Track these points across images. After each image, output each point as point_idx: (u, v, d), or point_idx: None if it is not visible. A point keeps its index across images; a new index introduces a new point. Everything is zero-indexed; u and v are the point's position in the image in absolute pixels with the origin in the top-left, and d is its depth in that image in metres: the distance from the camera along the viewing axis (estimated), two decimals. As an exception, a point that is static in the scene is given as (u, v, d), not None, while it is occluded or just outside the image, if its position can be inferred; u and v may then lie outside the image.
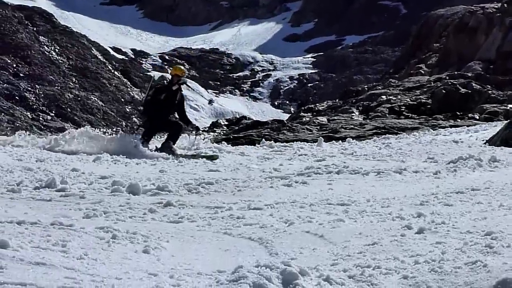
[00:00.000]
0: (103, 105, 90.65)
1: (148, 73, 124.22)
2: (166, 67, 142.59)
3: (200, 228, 14.80)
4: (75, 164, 26.95)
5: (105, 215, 16.12)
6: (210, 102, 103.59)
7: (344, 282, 10.76)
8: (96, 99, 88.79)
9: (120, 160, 27.32)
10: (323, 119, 50.12)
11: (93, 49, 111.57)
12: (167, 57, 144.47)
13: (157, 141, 24.50)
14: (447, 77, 58.76)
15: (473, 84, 51.70)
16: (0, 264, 11.12)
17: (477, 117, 44.60)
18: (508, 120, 31.54)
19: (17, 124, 69.10)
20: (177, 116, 26.00)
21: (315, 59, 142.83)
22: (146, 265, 11.98)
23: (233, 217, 15.68)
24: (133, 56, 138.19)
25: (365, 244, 12.89)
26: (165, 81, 26.21)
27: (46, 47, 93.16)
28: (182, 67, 25.85)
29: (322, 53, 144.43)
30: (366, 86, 73.15)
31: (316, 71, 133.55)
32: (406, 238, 13.07)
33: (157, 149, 24.21)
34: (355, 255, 12.26)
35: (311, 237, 13.67)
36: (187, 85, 23.29)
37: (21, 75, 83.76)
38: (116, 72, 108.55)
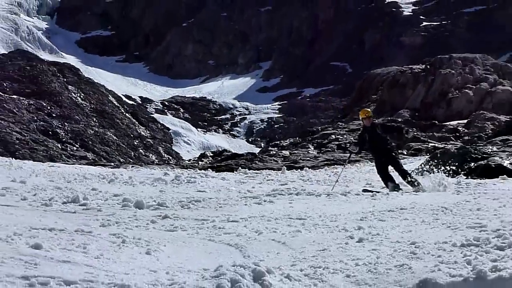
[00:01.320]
0: (117, 139, 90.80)
1: (152, 115, 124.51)
2: (166, 110, 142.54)
3: (190, 236, 14.82)
4: (94, 185, 26.76)
5: (117, 224, 16.13)
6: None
7: (300, 279, 10.86)
8: (111, 135, 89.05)
9: (128, 182, 27.33)
10: (286, 153, 50.36)
11: (110, 96, 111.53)
12: (166, 103, 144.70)
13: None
14: (383, 121, 59.35)
15: (404, 127, 51.89)
16: (35, 262, 11.22)
17: (405, 153, 44.83)
18: (428, 156, 31.64)
19: (50, 153, 69.27)
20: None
21: (280, 106, 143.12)
22: (148, 263, 12.01)
23: (215, 227, 15.71)
24: (140, 102, 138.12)
25: (317, 250, 12.92)
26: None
27: (73, 94, 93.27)
28: (368, 110, 25.49)
29: (286, 102, 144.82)
30: (319, 128, 73.38)
31: (281, 115, 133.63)
32: (349, 246, 13.11)
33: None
34: (310, 258, 12.30)
35: (275, 243, 13.69)
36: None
37: (54, 115, 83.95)
38: (127, 114, 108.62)
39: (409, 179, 22.26)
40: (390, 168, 22.96)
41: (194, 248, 13.44)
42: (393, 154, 23.02)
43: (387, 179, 22.16)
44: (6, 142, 64.79)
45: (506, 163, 27.03)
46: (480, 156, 28.16)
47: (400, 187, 21.62)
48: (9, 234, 13.16)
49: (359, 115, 24.67)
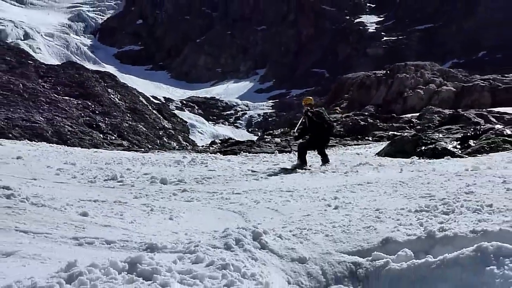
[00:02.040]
0: (146, 130, 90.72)
1: (173, 111, 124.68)
2: (184, 108, 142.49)
3: (203, 205, 14.82)
4: (129, 166, 26.88)
5: (146, 196, 16.19)
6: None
7: (289, 238, 10.85)
8: (142, 127, 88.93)
9: (155, 163, 27.37)
10: (278, 140, 50.30)
11: (140, 96, 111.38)
12: (184, 102, 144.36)
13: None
14: (353, 115, 59.39)
15: (368, 119, 51.84)
16: (83, 226, 11.37)
17: (371, 139, 44.89)
18: (389, 141, 31.60)
19: (94, 142, 69.61)
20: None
21: (273, 104, 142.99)
22: (170, 227, 12.05)
23: (223, 198, 15.76)
24: (164, 101, 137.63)
25: (302, 215, 12.88)
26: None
27: (112, 95, 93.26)
28: (310, 98, 25.51)
29: (277, 100, 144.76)
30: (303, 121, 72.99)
31: (273, 110, 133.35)
32: (327, 212, 13.09)
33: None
34: (296, 221, 12.26)
35: (270, 211, 13.67)
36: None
37: (97, 112, 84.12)
38: (153, 111, 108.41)
39: (325, 159, 22.73)
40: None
41: (206, 215, 13.46)
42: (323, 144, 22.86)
43: (302, 157, 22.48)
44: (60, 134, 64.82)
45: (449, 146, 27.03)
46: (429, 142, 28.11)
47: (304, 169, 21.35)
48: (62, 205, 13.18)
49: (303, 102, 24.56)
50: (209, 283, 8.23)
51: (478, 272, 8.89)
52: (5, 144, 28.94)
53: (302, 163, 22.54)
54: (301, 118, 24.48)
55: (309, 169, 22.73)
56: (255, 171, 24.32)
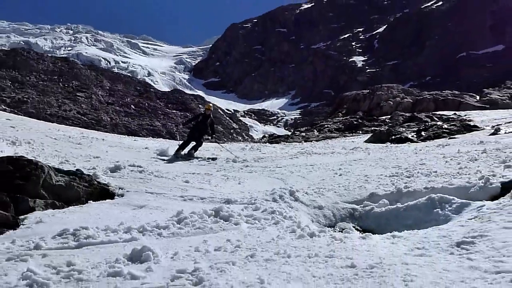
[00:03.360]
0: (222, 130, 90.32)
1: (239, 118, 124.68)
2: (245, 115, 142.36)
3: (259, 175, 14.69)
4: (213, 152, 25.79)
5: (224, 170, 16.01)
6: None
7: (312, 194, 10.88)
8: (220, 127, 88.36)
9: (228, 150, 27.21)
10: (303, 134, 49.96)
11: (219, 109, 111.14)
12: (245, 112, 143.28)
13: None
14: (349, 118, 58.96)
15: (359, 120, 51.39)
16: (186, 189, 11.41)
17: (361, 132, 44.46)
18: (371, 134, 31.26)
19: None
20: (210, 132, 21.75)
21: (300, 112, 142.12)
22: (239, 188, 12.02)
23: (271, 171, 15.53)
24: (233, 112, 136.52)
25: (320, 180, 12.79)
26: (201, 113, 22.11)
27: (201, 109, 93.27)
28: (210, 104, 24.19)
29: (303, 110, 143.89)
30: (319, 121, 72.18)
31: (300, 116, 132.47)
32: (335, 177, 12.98)
33: (184, 155, 20.07)
34: (316, 183, 12.21)
35: (299, 177, 13.57)
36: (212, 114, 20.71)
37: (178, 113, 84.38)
38: (227, 117, 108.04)
39: (191, 152, 20.29)
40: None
41: (261, 181, 13.40)
42: (202, 137, 20.98)
43: (182, 148, 20.17)
44: (171, 133, 64.94)
45: (409, 136, 26.73)
46: (396, 133, 27.92)
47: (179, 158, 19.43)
48: (173, 176, 13.17)
49: (206, 106, 22.40)
50: (263, 222, 8.29)
51: (429, 212, 8.92)
52: (137, 140, 28.82)
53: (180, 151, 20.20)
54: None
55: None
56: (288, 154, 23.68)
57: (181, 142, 20.31)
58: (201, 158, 20.28)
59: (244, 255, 6.08)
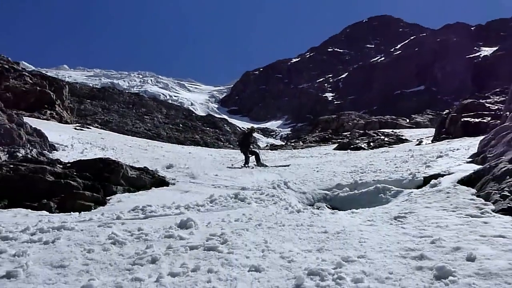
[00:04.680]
0: (252, 147, 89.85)
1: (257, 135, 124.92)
2: (259, 131, 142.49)
3: (266, 173, 14.57)
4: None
5: (240, 168, 15.82)
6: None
7: (299, 184, 10.77)
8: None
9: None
10: (293, 144, 49.12)
11: (237, 127, 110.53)
12: (255, 129, 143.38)
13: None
14: (323, 133, 57.15)
15: (330, 135, 50.81)
16: (216, 180, 11.29)
17: (331, 143, 43.69)
18: (337, 144, 31.03)
19: (220, 146, 69.63)
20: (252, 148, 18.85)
21: (291, 129, 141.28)
22: (252, 179, 11.93)
23: (271, 168, 15.44)
24: (241, 130, 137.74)
25: (304, 174, 12.68)
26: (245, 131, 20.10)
27: (226, 127, 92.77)
28: (253, 126, 21.18)
29: (292, 128, 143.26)
30: (303, 136, 71.38)
31: (290, 132, 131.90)
32: (314, 173, 12.85)
33: (255, 165, 16.76)
34: (302, 177, 12.08)
35: (291, 173, 13.46)
36: (255, 132, 18.32)
37: (220, 134, 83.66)
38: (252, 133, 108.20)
39: (260, 163, 16.98)
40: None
41: (265, 175, 13.28)
42: (249, 150, 17.66)
43: (247, 162, 16.84)
44: (206, 143, 64.94)
45: (362, 145, 26.59)
46: (354, 144, 27.76)
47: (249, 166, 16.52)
48: (205, 171, 13.15)
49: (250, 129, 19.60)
50: (267, 202, 8.27)
51: (376, 196, 8.93)
52: (184, 147, 28.73)
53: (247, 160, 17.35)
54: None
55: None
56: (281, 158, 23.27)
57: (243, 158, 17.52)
58: (234, 161, 20.08)
59: (254, 224, 6.12)
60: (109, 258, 4.50)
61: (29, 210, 7.54)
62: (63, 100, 37.76)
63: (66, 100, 39.22)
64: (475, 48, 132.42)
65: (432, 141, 22.91)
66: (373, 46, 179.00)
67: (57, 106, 35.12)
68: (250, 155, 17.29)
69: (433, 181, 8.77)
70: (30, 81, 35.51)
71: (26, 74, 36.96)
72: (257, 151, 18.40)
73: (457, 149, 14.23)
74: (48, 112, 33.03)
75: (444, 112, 27.80)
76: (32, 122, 17.65)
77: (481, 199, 6.79)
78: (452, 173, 9.28)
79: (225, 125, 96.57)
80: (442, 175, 9.25)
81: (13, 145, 12.50)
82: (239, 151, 18.93)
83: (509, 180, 6.94)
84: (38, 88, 34.49)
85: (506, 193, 6.45)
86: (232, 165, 16.84)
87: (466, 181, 8.16)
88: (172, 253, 4.67)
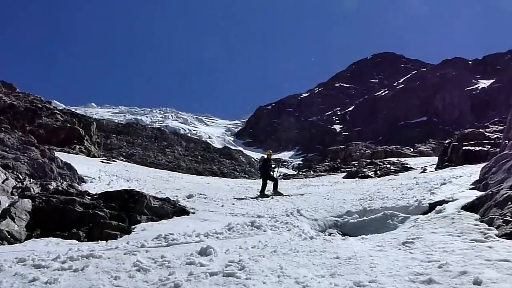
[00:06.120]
0: (254, 170, 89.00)
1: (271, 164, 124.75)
2: (273, 162, 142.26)
3: (277, 199, 14.50)
4: (250, 185, 25.13)
5: (256, 197, 15.71)
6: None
7: (311, 211, 10.63)
8: (252, 168, 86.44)
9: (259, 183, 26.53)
10: (304, 173, 48.58)
11: (251, 158, 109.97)
12: (273, 160, 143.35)
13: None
14: (332, 163, 56.39)
15: (339, 164, 50.27)
16: (233, 208, 11.19)
17: (340, 172, 43.11)
18: (346, 173, 30.70)
19: (236, 175, 68.89)
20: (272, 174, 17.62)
21: (301, 159, 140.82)
22: (265, 208, 11.84)
23: (285, 196, 15.31)
24: (258, 159, 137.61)
25: (315, 202, 12.52)
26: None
27: (241, 158, 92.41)
28: (270, 151, 19.66)
29: (303, 158, 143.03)
30: (313, 166, 70.99)
31: (302, 162, 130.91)
32: (325, 201, 12.68)
33: (271, 194, 15.94)
34: (313, 205, 11.90)
35: (303, 201, 13.35)
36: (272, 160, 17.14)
37: (236, 164, 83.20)
38: (257, 162, 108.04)
39: (275, 190, 16.25)
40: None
41: (279, 202, 13.22)
42: (268, 176, 16.90)
43: (263, 192, 16.08)
44: (223, 173, 64.97)
45: (370, 173, 26.40)
46: (362, 172, 27.58)
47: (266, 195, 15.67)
48: (223, 200, 13.12)
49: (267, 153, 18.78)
50: (281, 229, 8.19)
51: (384, 223, 8.81)
52: (203, 178, 28.70)
53: (263, 190, 16.46)
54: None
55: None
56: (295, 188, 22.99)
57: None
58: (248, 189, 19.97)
59: (270, 251, 6.06)
60: (135, 285, 4.51)
61: (60, 239, 7.63)
62: (91, 135, 38.25)
63: (94, 135, 39.72)
64: (473, 80, 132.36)
65: (436, 169, 22.68)
66: (377, 80, 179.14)
67: (85, 141, 35.55)
68: (269, 181, 16.86)
69: (438, 207, 8.68)
70: (61, 118, 36.14)
71: (57, 112, 37.66)
72: (277, 178, 17.88)
73: (460, 176, 14.07)
74: (77, 146, 33.44)
75: (446, 141, 27.55)
76: (62, 156, 17.88)
77: (484, 224, 6.72)
78: (456, 199, 9.17)
79: (240, 156, 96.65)
80: (447, 202, 9.14)
81: (45, 178, 12.63)
82: (260, 178, 18.24)
83: (511, 205, 6.84)
84: (68, 125, 35.04)
85: (509, 218, 6.37)
86: (247, 196, 16.65)
87: (469, 207, 8.09)
88: (194, 279, 4.65)
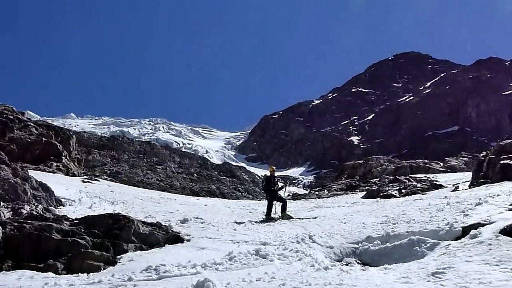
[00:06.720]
0: (277, 191, 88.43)
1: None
2: (280, 179, 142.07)
3: (289, 228, 14.49)
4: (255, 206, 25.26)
5: (261, 220, 15.73)
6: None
7: (325, 237, 10.63)
8: (255, 186, 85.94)
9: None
10: (317, 193, 48.47)
11: (255, 175, 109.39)
12: (281, 178, 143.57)
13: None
14: (350, 180, 56.46)
15: (357, 182, 50.50)
16: (234, 234, 11.16)
17: (358, 191, 42.95)
18: (366, 192, 30.74)
19: (237, 195, 68.70)
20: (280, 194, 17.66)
21: (314, 176, 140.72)
22: (272, 234, 11.84)
23: (294, 220, 15.26)
24: (264, 176, 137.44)
25: (331, 226, 12.52)
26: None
27: (244, 175, 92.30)
28: (273, 167, 19.41)
29: (316, 175, 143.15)
30: (327, 184, 70.67)
31: (314, 180, 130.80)
32: (341, 225, 12.70)
33: (279, 217, 16.03)
34: (328, 229, 11.93)
35: (316, 225, 13.34)
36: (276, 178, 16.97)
37: (237, 182, 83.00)
38: (262, 179, 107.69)
39: (284, 213, 16.20)
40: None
41: (287, 227, 13.21)
42: (274, 196, 16.93)
43: (269, 214, 16.28)
44: (223, 193, 64.76)
45: (393, 192, 26.36)
46: (384, 191, 27.56)
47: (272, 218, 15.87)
48: (223, 225, 13.12)
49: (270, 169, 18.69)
50: (291, 258, 8.20)
51: (410, 250, 8.78)
52: (199, 199, 28.69)
53: (269, 212, 16.54)
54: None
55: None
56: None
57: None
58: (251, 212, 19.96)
59: (278, 284, 6.06)
60: (121, 325, 4.48)
61: (34, 271, 7.59)
62: (70, 151, 38.38)
63: (73, 151, 39.86)
64: (511, 84, 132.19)
65: (469, 186, 22.61)
66: (400, 85, 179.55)
67: (63, 157, 35.64)
68: (276, 202, 16.83)
69: (472, 232, 8.64)
70: (36, 131, 36.27)
71: (31, 124, 37.80)
72: (286, 199, 17.70)
73: (497, 195, 14.01)
74: (54, 164, 33.51)
75: (481, 155, 27.50)
76: (37, 175, 17.91)
77: (527, 251, 6.68)
78: (493, 222, 9.13)
79: (243, 173, 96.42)
80: (483, 225, 9.10)
81: (18, 201, 12.65)
82: (265, 199, 18.18)
83: (558, 229, 6.81)
84: (43, 139, 35.16)
85: (555, 244, 6.33)
86: (251, 220, 16.60)
87: (509, 231, 8.05)
88: (189, 318, 4.64)
